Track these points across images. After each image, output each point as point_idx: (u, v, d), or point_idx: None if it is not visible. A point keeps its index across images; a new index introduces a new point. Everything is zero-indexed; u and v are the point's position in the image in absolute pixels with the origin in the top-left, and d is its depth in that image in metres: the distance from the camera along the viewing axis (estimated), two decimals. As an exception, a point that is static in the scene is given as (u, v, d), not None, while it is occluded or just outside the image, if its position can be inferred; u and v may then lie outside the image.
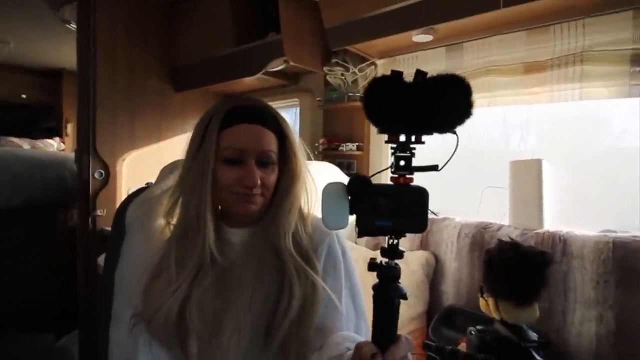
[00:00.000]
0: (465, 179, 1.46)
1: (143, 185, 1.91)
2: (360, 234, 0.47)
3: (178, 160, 1.00)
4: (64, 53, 3.13)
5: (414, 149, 0.47)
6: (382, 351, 0.45)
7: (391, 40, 1.34)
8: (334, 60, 1.63)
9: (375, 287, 0.47)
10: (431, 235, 1.30)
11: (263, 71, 1.63)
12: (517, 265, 0.65)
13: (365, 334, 0.67)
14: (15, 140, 3.08)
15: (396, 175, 0.46)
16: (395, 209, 0.45)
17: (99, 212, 1.76)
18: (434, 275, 1.25)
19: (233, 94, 2.28)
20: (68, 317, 2.42)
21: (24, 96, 3.54)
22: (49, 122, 3.66)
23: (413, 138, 0.47)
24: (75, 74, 3.50)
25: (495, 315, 0.71)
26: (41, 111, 3.72)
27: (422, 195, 0.46)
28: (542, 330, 0.92)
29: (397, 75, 0.44)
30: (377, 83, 0.45)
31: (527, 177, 1.22)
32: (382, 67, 1.54)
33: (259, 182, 0.66)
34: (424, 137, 0.47)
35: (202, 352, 0.65)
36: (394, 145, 0.46)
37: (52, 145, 3.27)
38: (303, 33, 1.55)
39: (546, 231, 1.12)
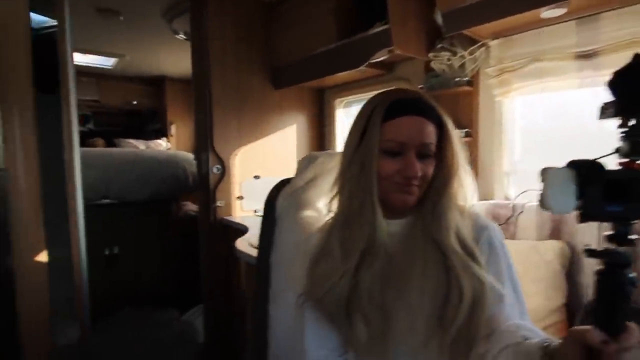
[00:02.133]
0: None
1: (252, 177, 2.08)
2: (584, 219, 0.47)
3: (313, 153, 1.07)
4: (165, 62, 3.48)
5: None
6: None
7: (510, 18, 1.26)
8: (439, 45, 1.59)
9: (601, 273, 0.46)
10: (564, 224, 1.22)
11: (367, 63, 1.65)
12: None
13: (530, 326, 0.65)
14: (133, 142, 3.52)
15: (627, 160, 0.45)
16: (627, 194, 0.44)
17: (218, 203, 1.95)
18: (570, 266, 1.18)
19: (329, 87, 2.35)
20: (183, 296, 2.76)
21: (134, 102, 4.01)
22: (155, 124, 4.11)
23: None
24: (175, 80, 3.92)
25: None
26: (148, 115, 4.19)
27: None
28: None
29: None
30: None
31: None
32: (496, 48, 1.46)
33: (419, 173, 0.68)
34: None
35: (373, 340, 0.67)
36: (626, 130, 0.45)
37: (161, 145, 3.68)
38: (409, 20, 1.53)
39: None
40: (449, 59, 1.58)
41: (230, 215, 2.00)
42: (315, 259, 0.74)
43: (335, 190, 0.77)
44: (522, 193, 1.42)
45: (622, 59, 1.17)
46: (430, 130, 0.69)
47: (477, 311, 0.64)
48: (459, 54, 1.54)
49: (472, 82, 1.61)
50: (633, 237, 0.46)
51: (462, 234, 0.70)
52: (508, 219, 1.34)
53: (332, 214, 0.78)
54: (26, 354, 1.30)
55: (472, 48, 1.51)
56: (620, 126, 0.45)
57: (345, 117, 2.33)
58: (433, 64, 1.65)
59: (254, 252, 1.31)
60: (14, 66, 1.27)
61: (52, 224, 1.42)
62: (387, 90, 0.74)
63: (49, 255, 1.38)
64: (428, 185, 0.71)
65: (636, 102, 0.44)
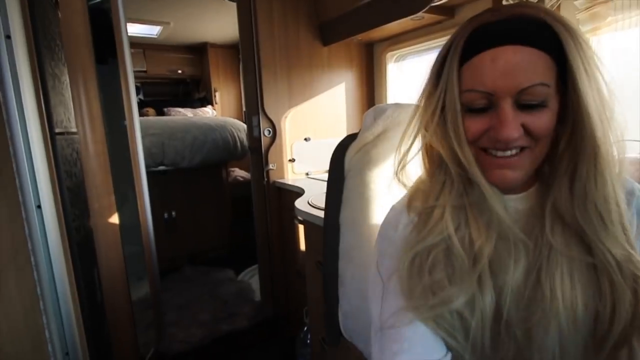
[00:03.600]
0: None
1: (303, 140, 2.04)
2: None
3: (379, 105, 0.99)
4: (206, 27, 3.45)
5: None
6: None
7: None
8: (512, -20, 1.40)
9: None
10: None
11: (427, 7, 1.50)
12: None
13: None
14: (181, 110, 3.60)
15: None
16: None
17: (271, 166, 1.95)
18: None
19: (379, 40, 2.20)
20: (237, 257, 2.88)
21: (180, 71, 4.06)
22: (200, 92, 4.16)
23: None
24: (217, 47, 3.89)
25: None
26: (193, 83, 4.25)
27: None
28: None
29: None
30: None
31: None
32: (585, -23, 1.26)
33: (516, 134, 0.48)
34: None
35: (520, 351, 0.52)
36: None
37: (208, 112, 3.74)
38: (479, -48, 1.35)
39: None
40: (522, -4, 1.40)
41: (282, 178, 1.99)
42: (419, 264, 0.53)
43: (410, 160, 0.59)
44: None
45: None
46: (538, 64, 0.46)
47: (636, 318, 0.48)
48: (536, -11, 1.35)
49: (550, 20, 1.42)
50: None
51: (616, 218, 0.48)
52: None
53: (412, 207, 0.59)
54: (107, 307, 1.41)
55: (553, -21, 1.31)
56: None
57: (398, 72, 2.19)
58: (505, 1, 1.47)
59: (314, 212, 1.29)
60: (77, 36, 1.29)
61: (118, 190, 1.48)
62: (472, 17, 0.52)
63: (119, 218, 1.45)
64: (553, 145, 0.51)
65: None
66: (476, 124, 0.50)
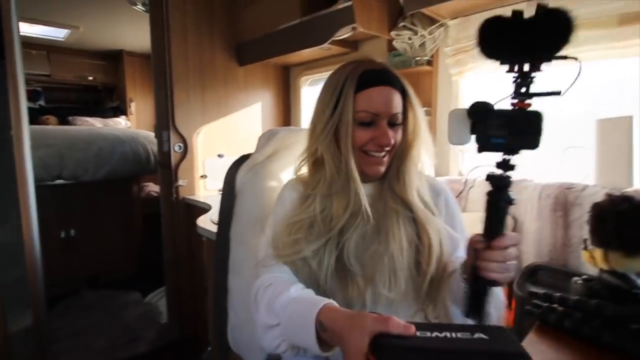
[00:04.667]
0: (544, 141, 1.43)
1: (216, 156, 2.05)
2: (479, 150, 0.55)
3: (274, 128, 1.07)
4: (122, 34, 3.31)
5: (534, 77, 0.53)
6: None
7: (466, -2, 1.30)
8: (401, 24, 1.61)
9: (488, 193, 0.56)
10: (510, 197, 1.30)
11: (330, 40, 1.65)
12: (632, 216, 0.67)
13: None
14: (89, 119, 3.35)
15: (516, 101, 0.50)
16: (510, 129, 0.50)
17: (181, 182, 1.92)
18: (514, 235, 1.27)
19: (294, 64, 2.32)
20: (146, 278, 2.72)
21: (90, 78, 3.80)
22: (114, 102, 3.92)
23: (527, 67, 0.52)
24: (133, 55, 3.72)
25: (602, 266, 0.73)
26: (106, 92, 3.99)
27: (537, 117, 0.53)
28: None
29: (517, 13, 0.51)
30: (495, 21, 0.52)
31: (616, 135, 1.18)
32: (454, 28, 1.50)
33: (392, 141, 0.73)
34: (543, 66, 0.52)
35: (362, 294, 0.72)
36: (515, 75, 0.50)
37: (120, 123, 3.52)
38: (372, -2, 1.54)
39: (636, 190, 1.09)
40: (410, 38, 1.61)
41: (193, 194, 1.97)
42: (290, 228, 0.75)
43: (305, 163, 0.82)
44: (473, 169, 1.50)
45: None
46: (398, 99, 0.73)
47: (443, 259, 0.74)
48: (420, 33, 1.57)
49: (432, 61, 1.65)
50: (514, 163, 0.54)
51: (422, 193, 0.79)
52: (460, 193, 1.41)
53: (298, 186, 0.81)
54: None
55: (431, 28, 1.54)
56: (509, 71, 0.51)
57: (310, 95, 2.32)
58: (395, 43, 1.67)
59: (215, 229, 1.31)
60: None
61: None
62: (354, 61, 0.77)
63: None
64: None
65: (517, 51, 0.49)
66: (365, 134, 0.73)
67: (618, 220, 0.68)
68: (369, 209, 0.73)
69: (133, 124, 3.72)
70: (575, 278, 0.76)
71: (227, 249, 0.99)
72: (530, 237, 1.25)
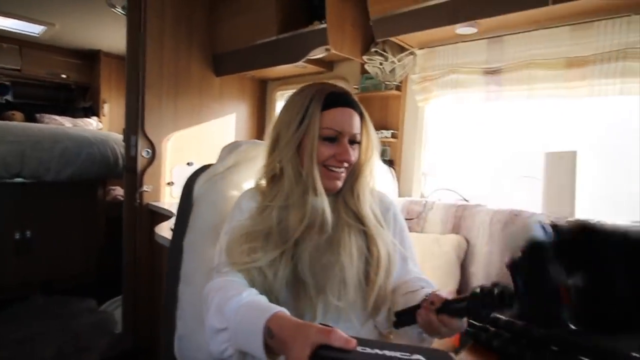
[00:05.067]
0: (499, 169, 1.52)
1: (185, 164, 2.03)
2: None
3: (236, 142, 1.09)
4: (101, 35, 3.27)
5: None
6: None
7: (433, 31, 1.38)
8: (373, 50, 1.68)
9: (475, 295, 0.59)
10: (464, 220, 1.36)
11: (305, 59, 1.70)
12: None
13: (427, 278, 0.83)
14: (58, 118, 3.26)
15: None
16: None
17: (145, 188, 1.89)
18: (465, 257, 1.32)
19: (272, 79, 2.36)
20: (105, 286, 2.61)
21: (63, 76, 3.71)
22: (86, 102, 3.83)
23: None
24: (111, 56, 3.67)
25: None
26: (79, 91, 3.89)
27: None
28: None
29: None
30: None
31: (561, 167, 1.26)
32: (421, 57, 1.58)
33: (353, 158, 0.79)
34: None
35: (314, 304, 0.74)
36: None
37: (91, 124, 3.44)
38: (346, 22, 1.60)
39: (577, 220, 1.17)
40: (381, 63, 1.68)
41: (158, 200, 1.94)
42: (246, 237, 0.76)
43: (266, 175, 0.84)
44: (433, 192, 1.56)
45: (521, 77, 1.33)
46: (358, 121, 0.80)
47: (390, 271, 0.79)
48: (390, 60, 1.65)
49: (401, 87, 1.73)
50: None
51: (373, 208, 0.84)
52: (419, 214, 1.46)
53: (257, 196, 0.83)
54: None
55: (400, 55, 1.62)
56: None
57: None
58: (367, 67, 1.74)
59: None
60: None
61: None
62: (319, 83, 0.83)
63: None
64: None
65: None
66: (328, 150, 0.78)
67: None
68: (330, 219, 0.76)
69: (105, 126, 3.63)
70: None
71: (180, 257, 0.98)
72: (481, 259, 1.31)
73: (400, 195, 1.69)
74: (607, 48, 1.15)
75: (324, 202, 0.77)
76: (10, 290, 2.41)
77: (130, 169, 1.91)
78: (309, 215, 0.76)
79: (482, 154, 1.59)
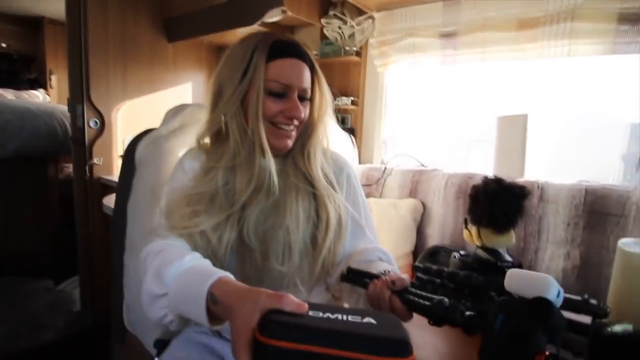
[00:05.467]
0: (454, 134, 1.54)
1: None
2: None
3: (182, 105, 1.04)
4: (44, 0, 2.98)
5: None
6: None
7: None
8: (332, 13, 1.63)
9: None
10: (420, 184, 1.38)
11: (260, 22, 1.62)
12: (499, 196, 0.73)
13: (376, 242, 0.82)
14: (0, 91, 3.00)
15: None
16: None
17: (96, 161, 1.78)
18: (421, 220, 1.35)
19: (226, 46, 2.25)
20: (62, 265, 2.50)
21: (4, 45, 3.39)
22: (32, 73, 3.54)
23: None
24: (56, 23, 3.39)
25: (476, 242, 0.80)
26: (23, 62, 3.58)
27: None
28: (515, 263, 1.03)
29: None
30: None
31: (513, 130, 1.29)
32: (380, 21, 1.55)
33: (303, 115, 0.72)
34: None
35: (260, 270, 0.71)
36: None
37: (38, 97, 3.19)
38: (302, -18, 1.53)
39: (526, 180, 1.21)
40: (340, 27, 1.64)
41: (111, 174, 1.84)
42: (189, 200, 0.70)
43: (208, 132, 0.77)
44: (392, 158, 1.57)
45: (475, 40, 1.32)
46: (308, 75, 0.72)
47: (341, 232, 0.75)
48: (349, 24, 1.60)
49: (361, 53, 1.69)
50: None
51: (325, 170, 0.79)
52: (378, 180, 1.47)
53: (201, 155, 0.76)
54: None
55: (359, 19, 1.58)
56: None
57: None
58: (326, 31, 1.69)
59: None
60: None
61: None
62: (262, 32, 0.76)
63: None
64: None
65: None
66: (276, 105, 0.70)
67: (488, 199, 0.75)
68: (276, 181, 0.72)
69: (54, 98, 3.38)
70: (455, 254, 0.83)
71: (124, 224, 0.94)
72: (436, 221, 1.34)
73: (360, 163, 1.69)
74: (556, 9, 1.16)
75: (270, 163, 0.71)
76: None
77: (78, 141, 1.79)
78: (256, 177, 0.71)
79: (439, 120, 1.60)
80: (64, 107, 2.66)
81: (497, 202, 0.74)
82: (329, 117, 0.79)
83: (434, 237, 1.33)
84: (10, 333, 1.81)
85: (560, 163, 1.37)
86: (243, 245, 0.71)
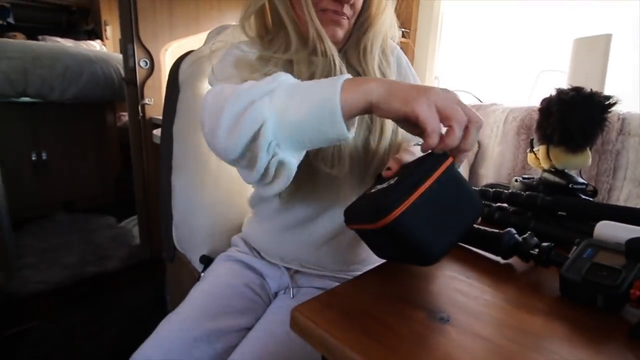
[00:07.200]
0: (517, 66, 1.37)
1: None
2: None
3: (225, 24, 0.99)
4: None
5: None
6: None
7: None
8: None
9: None
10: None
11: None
12: (577, 105, 0.63)
13: None
14: (60, 40, 3.16)
15: None
16: None
17: (147, 101, 1.83)
18: (475, 159, 1.25)
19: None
20: (123, 205, 2.71)
21: (62, -3, 3.53)
22: (88, 24, 3.68)
23: None
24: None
25: (544, 165, 0.71)
26: (81, 14, 3.73)
27: None
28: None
29: None
30: None
31: (592, 54, 1.11)
32: None
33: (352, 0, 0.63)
34: None
35: (308, 171, 0.66)
36: None
37: (95, 47, 3.33)
38: None
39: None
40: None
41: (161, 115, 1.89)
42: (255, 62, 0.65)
43: (255, 20, 0.70)
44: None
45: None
46: None
47: (395, 142, 0.70)
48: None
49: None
50: None
51: (384, 70, 0.70)
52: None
53: (257, 45, 0.70)
54: None
55: None
56: None
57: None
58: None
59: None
60: None
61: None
62: None
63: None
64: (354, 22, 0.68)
65: None
66: None
67: (561, 111, 0.64)
68: (344, 70, 0.64)
69: (110, 49, 3.52)
70: (516, 177, 0.75)
71: (171, 146, 0.95)
72: (492, 160, 1.23)
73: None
74: None
75: (332, 51, 0.63)
76: (32, 209, 2.53)
77: (130, 81, 1.85)
78: (319, 73, 0.64)
79: (499, 51, 1.43)
80: (118, 55, 2.75)
81: (574, 115, 0.63)
82: (390, 10, 0.69)
83: (488, 178, 1.23)
84: (80, 260, 2.01)
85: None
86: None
